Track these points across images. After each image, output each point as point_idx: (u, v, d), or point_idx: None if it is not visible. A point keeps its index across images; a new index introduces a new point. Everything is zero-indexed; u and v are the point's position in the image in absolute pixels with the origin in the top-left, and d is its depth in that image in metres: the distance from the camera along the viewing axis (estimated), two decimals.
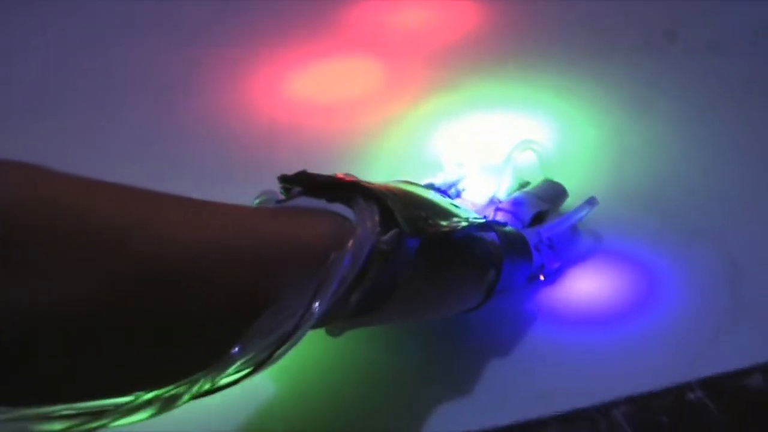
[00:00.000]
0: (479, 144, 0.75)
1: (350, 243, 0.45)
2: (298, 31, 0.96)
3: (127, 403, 0.39)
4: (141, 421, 0.39)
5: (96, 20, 1.02)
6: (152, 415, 0.39)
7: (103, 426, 0.38)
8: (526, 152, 0.69)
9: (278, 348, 0.42)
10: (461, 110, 0.82)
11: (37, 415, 0.36)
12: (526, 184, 0.69)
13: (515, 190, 0.68)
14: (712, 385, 0.56)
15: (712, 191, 0.71)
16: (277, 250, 0.44)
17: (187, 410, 0.41)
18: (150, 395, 0.39)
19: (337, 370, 0.59)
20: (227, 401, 0.44)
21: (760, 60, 0.85)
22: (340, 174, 0.52)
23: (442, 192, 0.62)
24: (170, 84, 0.90)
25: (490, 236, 0.57)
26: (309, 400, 0.57)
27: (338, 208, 0.48)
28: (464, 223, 0.53)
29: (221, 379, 0.41)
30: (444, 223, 0.52)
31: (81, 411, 0.37)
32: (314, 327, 0.44)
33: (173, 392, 0.40)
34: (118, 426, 0.38)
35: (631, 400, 0.55)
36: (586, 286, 0.63)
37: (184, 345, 0.40)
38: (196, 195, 0.44)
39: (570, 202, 0.67)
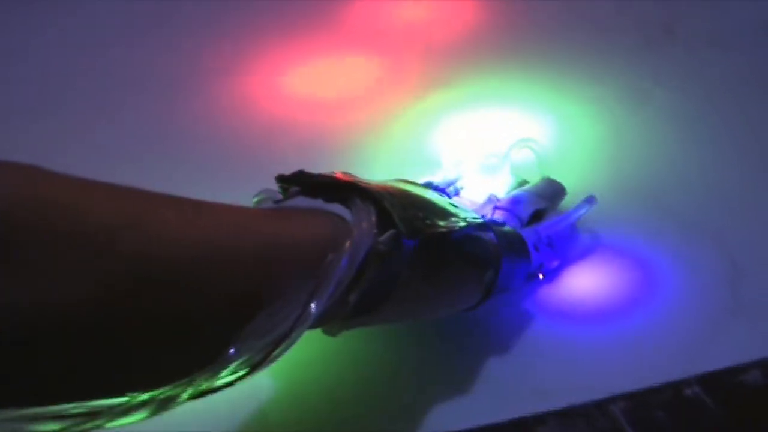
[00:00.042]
0: (478, 140, 0.75)
1: (347, 244, 0.45)
2: (296, 27, 0.96)
3: (122, 404, 0.39)
4: (136, 422, 0.39)
5: (95, 19, 1.02)
6: (147, 416, 0.39)
7: (98, 427, 0.38)
8: (523, 150, 0.70)
9: (274, 349, 0.42)
10: (459, 106, 0.82)
11: (32, 415, 0.36)
12: (525, 182, 0.69)
13: (514, 189, 0.68)
14: (709, 380, 0.56)
15: (711, 188, 0.71)
16: (274, 250, 0.44)
17: (184, 411, 0.41)
18: (145, 396, 0.39)
19: (334, 368, 0.59)
20: (224, 401, 0.43)
21: (759, 56, 0.85)
22: (338, 173, 0.52)
23: (441, 191, 0.62)
24: (169, 82, 0.90)
25: (489, 236, 0.57)
26: (306, 400, 0.57)
27: (335, 208, 0.48)
28: (462, 223, 0.53)
29: (217, 380, 0.41)
30: (442, 223, 0.52)
31: (76, 412, 0.37)
32: (311, 327, 0.45)
33: (169, 393, 0.40)
34: (113, 427, 0.38)
35: (628, 396, 0.55)
36: (584, 282, 0.64)
37: (180, 346, 0.40)
38: (195, 192, 0.43)
39: (569, 200, 0.68)
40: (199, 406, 0.41)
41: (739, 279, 0.63)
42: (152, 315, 0.38)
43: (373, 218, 0.48)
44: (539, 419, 0.55)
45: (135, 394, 0.39)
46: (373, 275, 0.47)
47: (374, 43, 0.94)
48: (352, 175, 0.52)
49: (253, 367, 0.42)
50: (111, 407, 0.38)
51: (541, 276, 0.63)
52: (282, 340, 0.43)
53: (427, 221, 0.51)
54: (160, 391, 0.39)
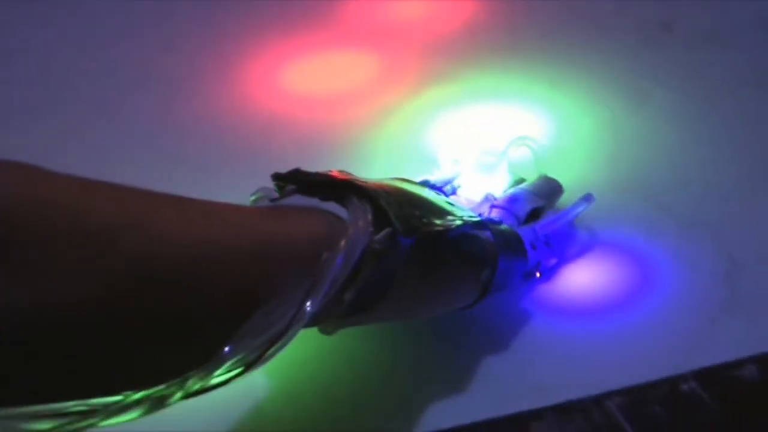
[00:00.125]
0: (475, 137, 0.75)
1: (343, 242, 0.45)
2: (294, 25, 0.96)
3: (116, 403, 0.38)
4: (130, 420, 0.39)
5: (93, 18, 1.02)
6: (141, 415, 0.39)
7: (92, 425, 0.38)
8: (521, 149, 0.70)
9: (269, 348, 0.42)
10: (457, 102, 0.82)
11: (26, 414, 0.36)
12: (522, 180, 0.69)
13: (511, 187, 0.68)
14: (706, 376, 0.56)
15: (709, 183, 0.71)
16: (270, 249, 0.44)
17: (179, 409, 0.41)
18: (139, 395, 0.39)
19: (330, 366, 0.59)
20: (219, 400, 0.43)
21: (759, 54, 0.85)
22: (334, 171, 0.52)
23: (438, 189, 0.62)
24: (167, 81, 0.90)
25: (486, 234, 0.57)
26: (302, 398, 0.57)
27: (331, 206, 0.48)
28: (459, 222, 0.53)
29: (212, 379, 0.41)
30: (438, 221, 0.52)
31: (70, 410, 0.37)
32: (307, 326, 0.45)
33: (163, 392, 0.40)
34: (106, 425, 0.38)
35: (625, 391, 0.56)
36: (581, 278, 0.64)
37: (177, 345, 0.40)
38: (195, 190, 0.44)
39: (567, 197, 0.68)
40: (194, 405, 0.41)
41: (736, 275, 0.63)
42: (153, 314, 0.38)
43: (369, 217, 0.48)
44: (536, 415, 0.55)
45: (130, 392, 0.39)
46: (369, 274, 0.47)
47: (372, 40, 0.94)
48: (349, 174, 0.52)
49: (248, 366, 0.42)
50: (106, 406, 0.38)
51: (538, 274, 0.63)
52: (277, 338, 0.42)
53: (424, 220, 0.51)
54: (155, 389, 0.39)
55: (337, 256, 0.45)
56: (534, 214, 0.65)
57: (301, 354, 0.57)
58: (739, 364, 0.57)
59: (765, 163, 0.73)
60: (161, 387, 0.40)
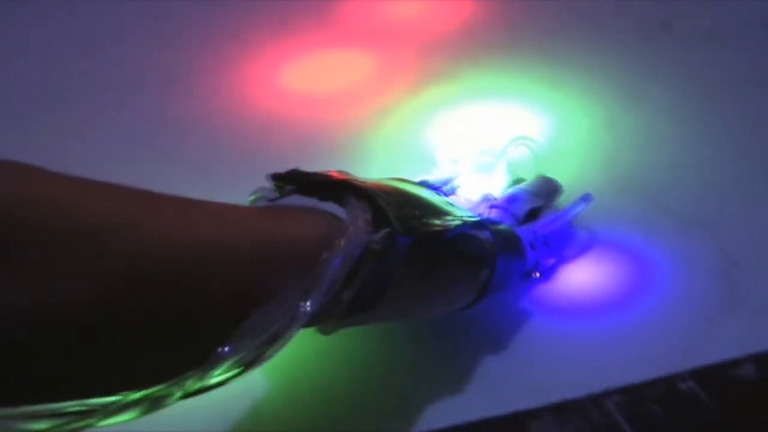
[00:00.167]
0: (474, 136, 0.75)
1: (341, 242, 0.45)
2: (292, 23, 0.97)
3: (114, 403, 0.38)
4: (127, 421, 0.39)
5: (90, 17, 1.02)
6: (139, 415, 0.39)
7: (90, 425, 0.38)
8: (519, 148, 0.70)
9: (268, 348, 0.42)
10: (456, 101, 0.82)
11: (25, 414, 0.36)
12: (521, 180, 0.69)
13: (510, 187, 0.68)
14: (703, 375, 0.56)
15: (707, 183, 0.71)
16: (269, 249, 0.44)
17: (178, 409, 0.41)
18: (138, 395, 0.39)
19: (329, 366, 0.59)
20: (218, 400, 0.44)
21: (756, 51, 0.85)
22: (333, 172, 0.52)
23: (436, 189, 0.63)
24: (166, 80, 0.91)
25: (484, 234, 0.56)
26: (301, 398, 0.57)
27: (330, 207, 0.48)
28: (457, 222, 0.53)
29: (210, 379, 0.41)
30: (437, 221, 0.52)
31: (68, 410, 0.37)
32: (306, 326, 0.45)
33: (161, 392, 0.40)
34: (103, 425, 0.38)
35: (623, 390, 0.56)
36: (580, 277, 0.64)
37: (175, 345, 0.40)
38: (194, 190, 0.44)
39: (565, 196, 0.68)
40: (193, 405, 0.41)
41: (734, 274, 0.63)
42: (151, 314, 0.39)
43: (368, 217, 0.48)
44: (534, 414, 0.55)
45: (128, 392, 0.39)
46: (367, 273, 0.47)
47: (370, 39, 0.94)
48: (348, 174, 0.52)
49: (247, 366, 0.42)
50: (103, 406, 0.38)
51: (537, 274, 0.63)
52: (276, 338, 0.42)
53: (423, 220, 0.51)
54: (153, 389, 0.39)
55: (336, 256, 0.45)
56: (532, 214, 0.65)
57: (300, 354, 0.58)
58: (737, 363, 0.57)
59: (763, 162, 0.73)
60: (160, 387, 0.40)
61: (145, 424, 0.40)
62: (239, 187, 0.52)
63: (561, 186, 0.68)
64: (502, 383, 0.57)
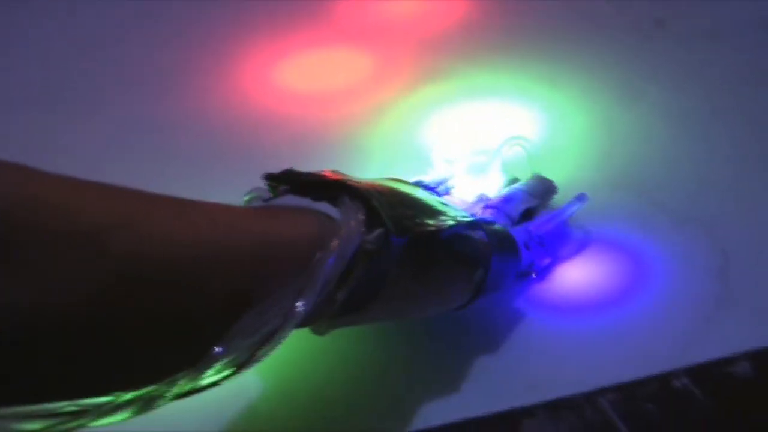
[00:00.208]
0: (469, 134, 0.75)
1: (334, 243, 0.45)
2: (287, 20, 0.97)
3: (107, 403, 0.38)
4: (120, 421, 0.39)
5: (86, 17, 1.02)
6: (132, 416, 0.39)
7: (82, 426, 0.38)
8: (514, 148, 0.70)
9: (260, 348, 0.42)
10: (451, 99, 0.82)
11: (19, 414, 0.36)
12: (516, 180, 0.69)
13: (505, 187, 0.68)
14: (698, 372, 0.56)
15: (703, 180, 0.71)
16: (262, 249, 0.44)
17: (172, 409, 0.41)
18: (130, 395, 0.39)
19: (323, 366, 0.59)
20: (212, 399, 0.43)
21: (753, 51, 0.85)
22: (327, 172, 0.52)
23: (431, 189, 0.63)
24: (159, 78, 0.91)
25: (479, 234, 0.56)
26: (295, 398, 0.57)
27: (323, 207, 0.48)
28: (451, 222, 0.53)
29: (202, 379, 0.41)
30: (431, 222, 0.52)
31: (62, 411, 0.37)
32: (300, 326, 0.44)
33: (153, 393, 0.40)
34: (96, 426, 0.38)
35: (617, 388, 0.56)
36: (574, 275, 0.64)
37: (175, 345, 0.41)
38: (189, 189, 0.44)
39: (561, 194, 0.68)
40: (187, 405, 0.41)
41: (729, 271, 0.63)
42: (151, 315, 0.39)
43: (361, 217, 0.48)
44: (528, 412, 0.55)
45: (120, 393, 0.39)
46: (361, 274, 0.47)
47: (366, 37, 0.94)
48: (342, 174, 0.52)
49: (239, 367, 0.42)
50: (95, 406, 0.38)
51: (532, 275, 0.63)
52: (269, 339, 0.42)
53: (416, 220, 0.51)
54: (146, 390, 0.39)
55: (330, 257, 0.45)
56: (528, 214, 0.66)
57: (295, 354, 0.58)
58: (732, 360, 0.57)
59: (759, 159, 0.73)
60: (152, 387, 0.40)
61: (140, 425, 0.40)
62: (234, 186, 0.52)
63: (556, 186, 0.68)
64: (497, 382, 0.57)
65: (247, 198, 0.52)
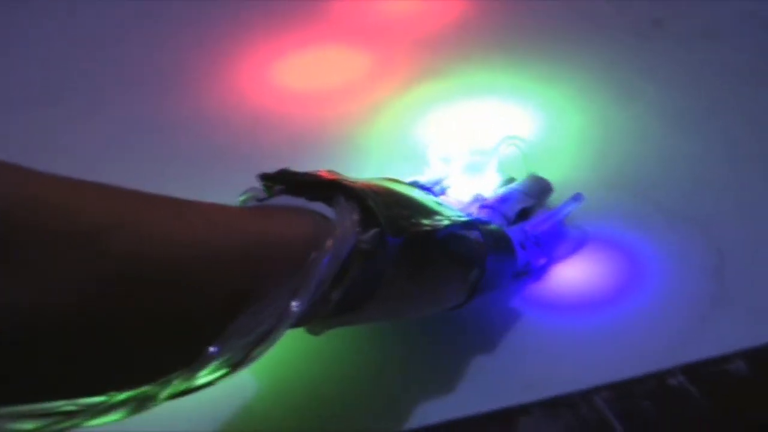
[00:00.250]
0: (465, 133, 0.75)
1: (329, 243, 0.45)
2: (284, 20, 0.97)
3: (101, 403, 0.38)
4: (114, 421, 0.39)
5: (84, 16, 1.02)
6: (126, 416, 0.39)
7: (75, 426, 0.38)
8: (510, 148, 0.70)
9: (255, 348, 0.42)
10: (447, 97, 0.82)
11: (12, 413, 0.36)
12: (512, 179, 0.69)
13: (501, 187, 0.68)
14: (694, 370, 0.56)
15: (698, 179, 0.71)
16: (257, 249, 0.44)
17: (167, 408, 0.41)
18: (124, 395, 0.39)
19: (319, 366, 0.59)
20: (207, 399, 0.43)
21: (750, 49, 0.85)
22: (322, 171, 0.52)
23: (427, 189, 0.63)
24: (157, 77, 0.91)
25: (474, 234, 0.56)
26: (291, 398, 0.57)
27: (318, 206, 0.48)
28: (447, 222, 0.53)
29: (197, 379, 0.41)
30: (426, 221, 0.52)
31: (56, 410, 0.37)
32: (295, 326, 0.45)
33: (148, 393, 0.40)
34: (89, 426, 0.38)
35: (612, 386, 0.56)
36: (570, 273, 0.64)
37: (168, 344, 0.41)
38: (186, 188, 0.44)
39: (557, 195, 0.68)
40: (183, 405, 0.41)
41: (724, 270, 0.63)
42: (151, 314, 0.39)
43: (356, 216, 0.48)
44: (523, 409, 0.55)
45: (114, 393, 0.39)
46: (356, 273, 0.47)
47: (362, 36, 0.94)
48: (337, 174, 0.52)
49: (234, 367, 0.42)
50: (89, 406, 0.38)
51: (528, 274, 0.63)
52: (263, 339, 0.42)
53: (412, 220, 0.51)
54: (140, 390, 0.39)
55: (325, 256, 0.45)
56: (524, 214, 0.66)
57: (290, 354, 0.58)
58: (728, 358, 0.57)
59: (755, 158, 0.73)
60: (146, 387, 0.40)
61: (134, 424, 0.40)
62: (232, 185, 0.52)
63: (552, 185, 0.68)
64: (494, 380, 0.57)
65: (242, 198, 0.52)
